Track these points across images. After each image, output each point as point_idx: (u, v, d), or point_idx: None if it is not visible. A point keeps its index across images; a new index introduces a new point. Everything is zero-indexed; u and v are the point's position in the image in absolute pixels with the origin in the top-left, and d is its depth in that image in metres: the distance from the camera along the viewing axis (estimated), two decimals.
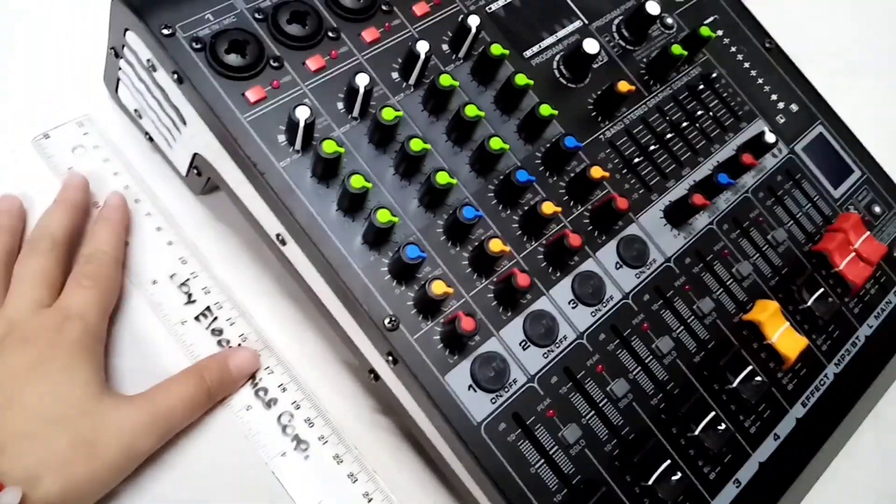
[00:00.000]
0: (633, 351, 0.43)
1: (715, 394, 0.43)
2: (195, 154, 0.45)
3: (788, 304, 0.47)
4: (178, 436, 0.42)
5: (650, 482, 0.39)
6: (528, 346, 0.41)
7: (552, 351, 0.41)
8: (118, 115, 0.53)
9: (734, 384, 0.43)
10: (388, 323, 0.39)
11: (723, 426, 0.41)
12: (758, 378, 0.43)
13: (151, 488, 0.41)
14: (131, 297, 0.46)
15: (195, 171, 0.47)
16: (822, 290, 0.47)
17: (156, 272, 0.47)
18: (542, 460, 0.39)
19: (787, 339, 0.45)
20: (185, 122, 0.44)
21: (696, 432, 0.41)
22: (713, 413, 0.42)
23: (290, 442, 0.43)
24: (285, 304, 0.49)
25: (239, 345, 0.46)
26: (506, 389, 0.39)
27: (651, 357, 0.43)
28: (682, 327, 0.44)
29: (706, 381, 0.43)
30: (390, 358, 0.39)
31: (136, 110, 0.50)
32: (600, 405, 0.41)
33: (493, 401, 0.39)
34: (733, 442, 0.43)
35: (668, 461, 0.40)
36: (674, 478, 0.39)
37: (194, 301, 0.46)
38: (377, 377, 0.42)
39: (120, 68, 0.48)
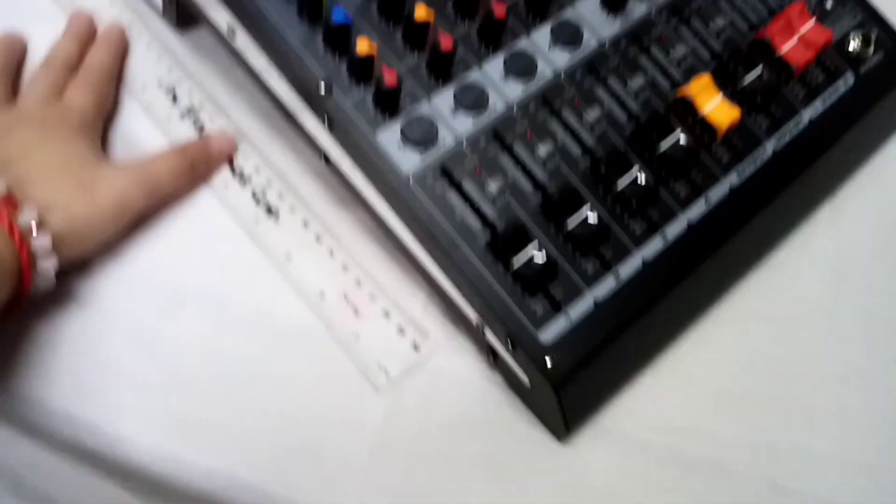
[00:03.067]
0: (563, 120, 0.45)
1: (644, 159, 0.45)
2: None
3: (727, 85, 0.48)
4: (168, 207, 0.48)
5: (570, 228, 0.42)
6: (458, 112, 0.44)
7: (482, 117, 0.44)
8: None
9: (662, 149, 0.45)
10: (323, 87, 0.42)
11: (644, 178, 0.43)
12: (684, 141, 0.45)
13: (146, 245, 0.47)
14: (124, 105, 0.52)
15: None
16: (759, 67, 0.48)
17: (145, 79, 0.52)
18: (469, 207, 0.42)
19: (719, 111, 0.46)
20: None
21: (619, 186, 0.43)
22: (637, 167, 0.44)
23: (263, 211, 0.48)
24: (260, 120, 0.53)
25: None
26: (435, 147, 0.43)
27: (580, 127, 0.45)
28: (613, 101, 0.46)
29: (636, 148, 0.45)
30: (326, 120, 0.42)
31: None
32: (526, 165, 0.43)
33: (423, 157, 0.42)
34: (660, 198, 0.44)
35: (588, 205, 0.42)
36: (591, 221, 0.42)
37: (179, 102, 0.51)
38: (328, 160, 0.46)
39: None
